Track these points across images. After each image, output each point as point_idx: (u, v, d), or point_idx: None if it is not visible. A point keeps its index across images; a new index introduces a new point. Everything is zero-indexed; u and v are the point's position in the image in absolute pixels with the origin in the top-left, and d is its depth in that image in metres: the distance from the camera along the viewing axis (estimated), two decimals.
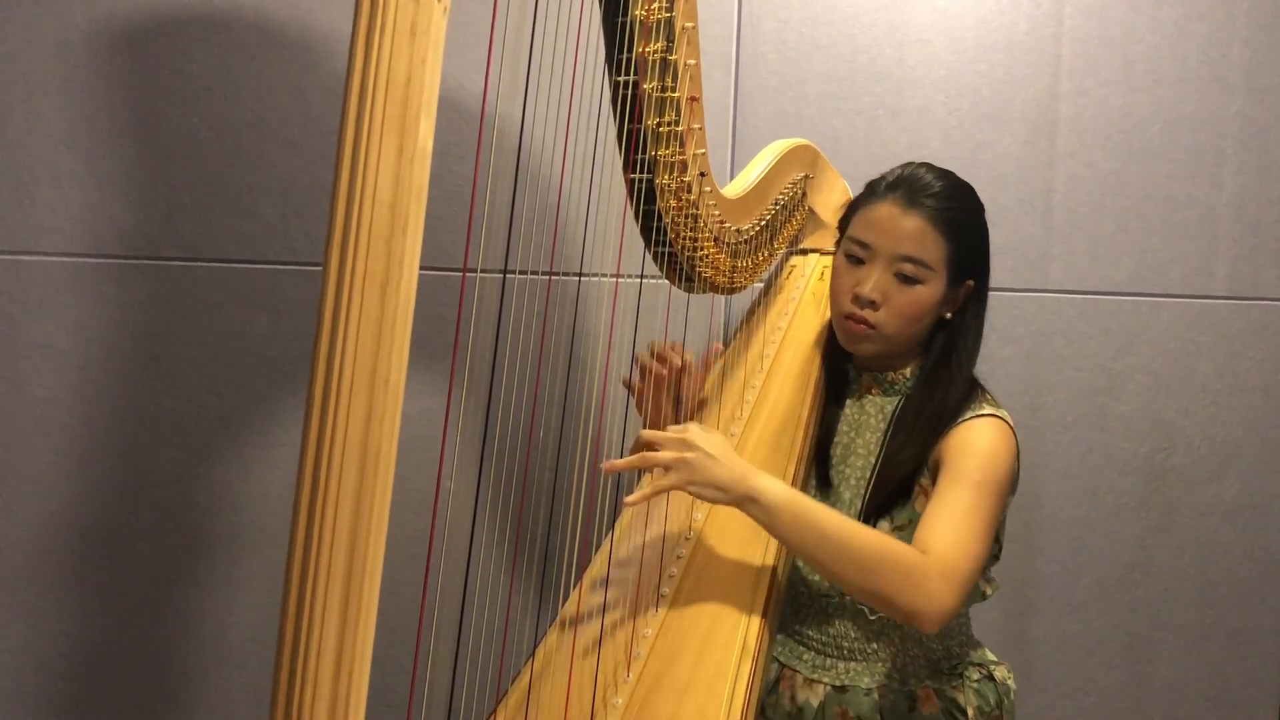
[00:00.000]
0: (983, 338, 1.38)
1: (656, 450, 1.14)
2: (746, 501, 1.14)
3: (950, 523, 1.17)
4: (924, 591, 1.12)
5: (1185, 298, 1.93)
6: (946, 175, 1.34)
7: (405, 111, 0.71)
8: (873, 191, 1.35)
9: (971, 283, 1.34)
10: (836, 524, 1.14)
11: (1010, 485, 1.29)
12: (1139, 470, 1.95)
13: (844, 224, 1.39)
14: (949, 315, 1.35)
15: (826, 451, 1.39)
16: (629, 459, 1.16)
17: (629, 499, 1.15)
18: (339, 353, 0.71)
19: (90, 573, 1.90)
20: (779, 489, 1.14)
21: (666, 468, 1.13)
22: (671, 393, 1.40)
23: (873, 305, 1.31)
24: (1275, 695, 1.99)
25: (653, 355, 1.39)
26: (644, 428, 1.41)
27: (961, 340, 1.35)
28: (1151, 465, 1.95)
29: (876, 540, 1.15)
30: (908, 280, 1.29)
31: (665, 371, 1.38)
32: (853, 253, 1.34)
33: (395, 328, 0.72)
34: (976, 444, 1.25)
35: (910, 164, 1.36)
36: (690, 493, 1.14)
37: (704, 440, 1.14)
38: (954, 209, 1.31)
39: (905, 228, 1.29)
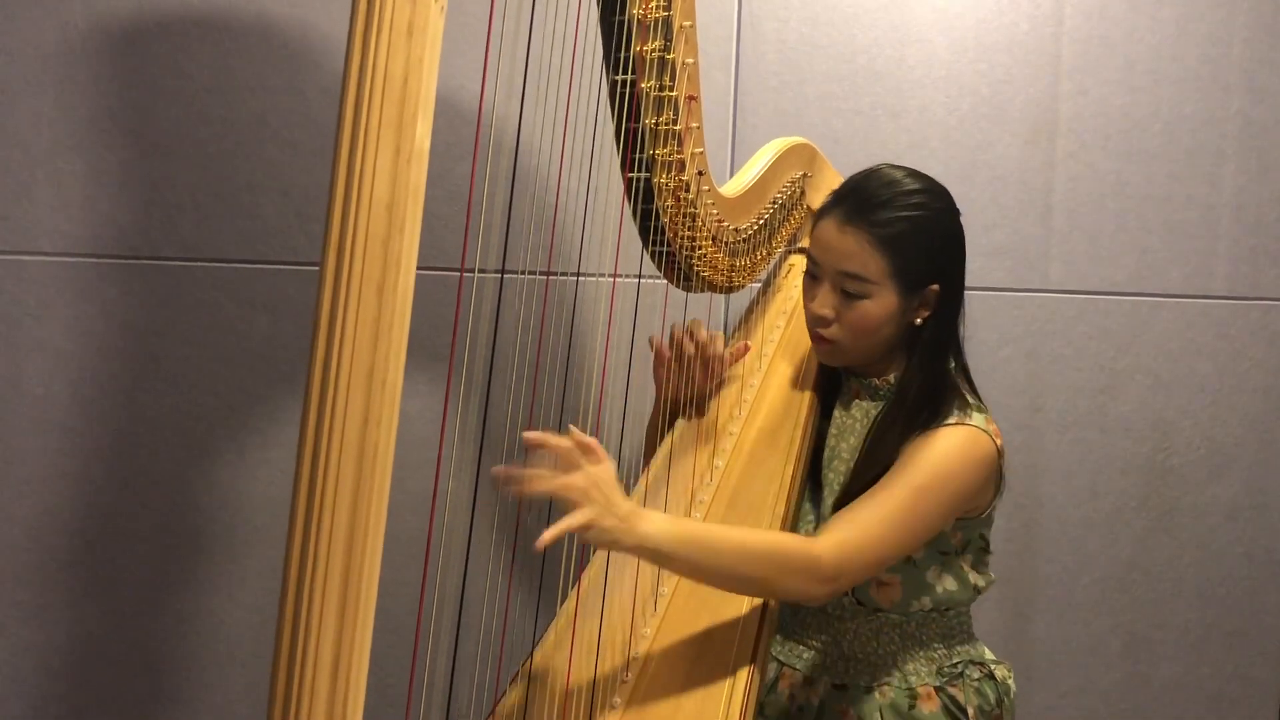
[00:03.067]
0: (963, 337, 1.36)
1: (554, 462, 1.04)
2: (637, 549, 1.07)
3: (864, 514, 1.20)
4: (804, 579, 1.15)
5: (1185, 298, 1.93)
6: (903, 179, 1.30)
7: (402, 111, 0.71)
8: (824, 206, 1.34)
9: (936, 287, 1.31)
10: (716, 538, 1.13)
11: (966, 493, 1.26)
12: (1139, 470, 1.95)
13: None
14: (919, 321, 1.31)
15: (818, 457, 1.39)
16: (541, 484, 1.03)
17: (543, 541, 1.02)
18: (336, 354, 0.71)
19: (89, 572, 1.90)
20: (662, 527, 1.08)
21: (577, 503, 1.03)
22: (693, 372, 1.43)
23: (825, 322, 1.31)
24: (1275, 695, 1.99)
25: (682, 338, 1.41)
26: (662, 395, 1.44)
27: (931, 345, 1.32)
28: (1151, 465, 1.95)
29: (760, 539, 1.16)
30: (852, 296, 1.28)
31: (693, 350, 1.41)
32: (809, 269, 1.34)
33: (392, 329, 0.72)
34: (930, 451, 1.24)
35: (867, 170, 1.33)
36: (588, 536, 1.04)
37: (601, 467, 1.06)
38: (898, 218, 1.27)
39: (842, 245, 1.27)
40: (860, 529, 1.19)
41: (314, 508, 0.72)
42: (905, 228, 1.27)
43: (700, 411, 1.45)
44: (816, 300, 1.31)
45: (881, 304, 1.28)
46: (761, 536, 1.18)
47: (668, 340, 1.42)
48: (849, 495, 1.27)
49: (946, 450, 1.25)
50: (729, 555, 1.12)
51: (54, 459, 1.88)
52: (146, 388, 1.88)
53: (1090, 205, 1.92)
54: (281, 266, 1.87)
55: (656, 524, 1.08)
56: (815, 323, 1.32)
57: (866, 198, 1.28)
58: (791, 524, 1.31)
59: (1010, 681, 1.39)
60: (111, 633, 1.91)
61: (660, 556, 1.09)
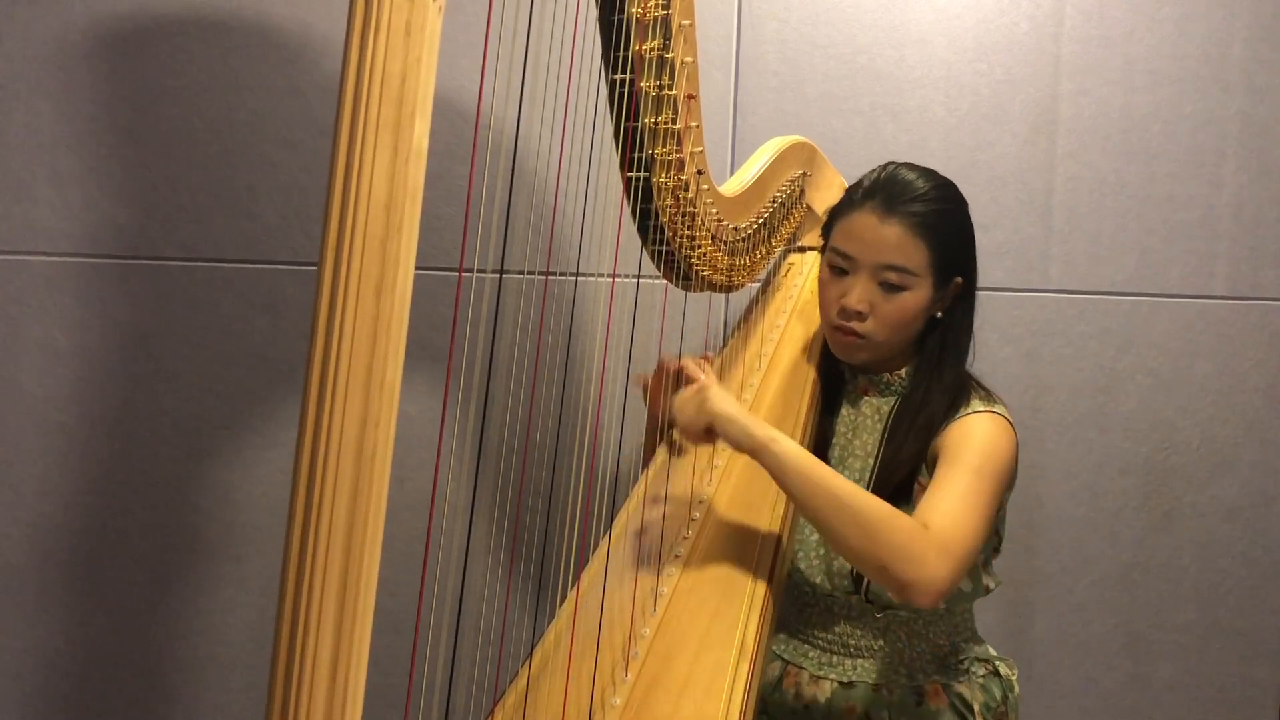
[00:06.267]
0: (974, 332, 1.38)
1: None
2: (765, 446, 1.16)
3: (950, 502, 1.17)
4: (922, 562, 1.11)
5: (1185, 298, 1.93)
6: (925, 175, 1.33)
7: (400, 111, 0.71)
8: (850, 200, 1.34)
9: (959, 280, 1.34)
10: (844, 486, 1.15)
11: (1009, 477, 1.28)
12: (1139, 470, 1.95)
13: (826, 232, 1.38)
14: (940, 314, 1.34)
15: (824, 455, 1.39)
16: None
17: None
18: (334, 354, 0.71)
19: (89, 572, 1.90)
20: (794, 444, 1.17)
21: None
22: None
23: (860, 316, 1.30)
24: (1275, 695, 1.99)
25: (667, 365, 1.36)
26: (655, 412, 1.40)
27: (953, 337, 1.34)
28: (1151, 465, 1.95)
29: (881, 506, 1.14)
30: (893, 288, 1.29)
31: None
32: (835, 263, 1.33)
33: (391, 329, 0.72)
34: (973, 435, 1.25)
35: (887, 165, 1.35)
36: (719, 426, 1.18)
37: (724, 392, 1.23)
38: (933, 211, 1.29)
39: (885, 236, 1.28)
40: (948, 515, 1.16)
41: (313, 508, 0.71)
42: (940, 220, 1.30)
43: None
44: (853, 295, 1.30)
45: (919, 296, 1.29)
46: (879, 499, 1.17)
47: (658, 371, 1.36)
48: (879, 493, 1.27)
49: (989, 434, 1.25)
50: (846, 491, 1.14)
51: (53, 459, 1.88)
52: (146, 388, 1.88)
53: (1090, 205, 1.92)
54: (281, 266, 1.87)
55: (787, 437, 1.17)
56: (847, 317, 1.31)
57: (900, 190, 1.29)
58: (793, 523, 1.31)
59: (1014, 678, 1.39)
60: (111, 633, 1.91)
61: (783, 462, 1.15)
